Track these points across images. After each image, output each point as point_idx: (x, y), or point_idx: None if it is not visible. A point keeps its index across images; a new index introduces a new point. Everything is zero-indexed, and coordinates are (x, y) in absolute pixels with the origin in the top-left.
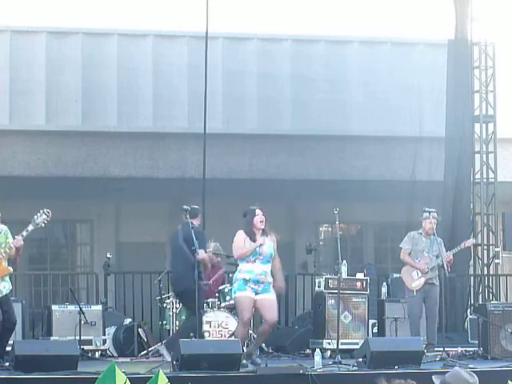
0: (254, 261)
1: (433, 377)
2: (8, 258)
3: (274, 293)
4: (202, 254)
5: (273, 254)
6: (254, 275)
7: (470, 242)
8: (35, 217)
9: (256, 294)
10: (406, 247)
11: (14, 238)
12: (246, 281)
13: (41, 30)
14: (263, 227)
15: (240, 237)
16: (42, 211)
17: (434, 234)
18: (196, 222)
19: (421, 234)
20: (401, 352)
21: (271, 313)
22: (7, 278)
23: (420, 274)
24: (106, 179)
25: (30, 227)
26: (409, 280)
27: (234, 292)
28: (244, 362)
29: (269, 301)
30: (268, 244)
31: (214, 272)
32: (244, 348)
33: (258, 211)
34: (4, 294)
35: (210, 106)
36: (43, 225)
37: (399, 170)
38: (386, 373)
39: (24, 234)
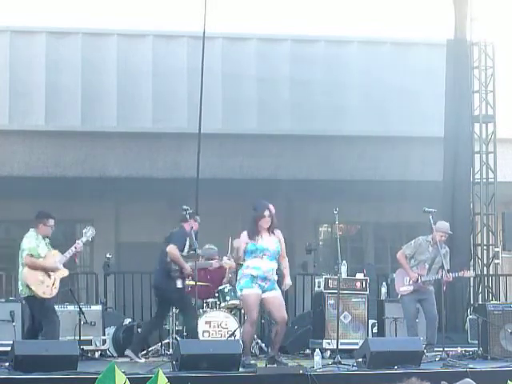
0: (262, 257)
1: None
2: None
3: (279, 290)
4: (170, 247)
5: (279, 251)
6: (262, 272)
7: (469, 274)
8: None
9: (263, 291)
10: (406, 251)
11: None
12: (253, 277)
13: (40, 30)
14: (267, 227)
15: (242, 240)
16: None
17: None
18: (187, 227)
19: (429, 242)
20: (400, 352)
21: (281, 312)
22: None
23: (411, 281)
24: (105, 179)
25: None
26: (399, 283)
27: (241, 289)
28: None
29: (277, 299)
30: (274, 241)
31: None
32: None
33: (266, 212)
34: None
35: (209, 107)
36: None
37: (399, 171)
38: (386, 373)
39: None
